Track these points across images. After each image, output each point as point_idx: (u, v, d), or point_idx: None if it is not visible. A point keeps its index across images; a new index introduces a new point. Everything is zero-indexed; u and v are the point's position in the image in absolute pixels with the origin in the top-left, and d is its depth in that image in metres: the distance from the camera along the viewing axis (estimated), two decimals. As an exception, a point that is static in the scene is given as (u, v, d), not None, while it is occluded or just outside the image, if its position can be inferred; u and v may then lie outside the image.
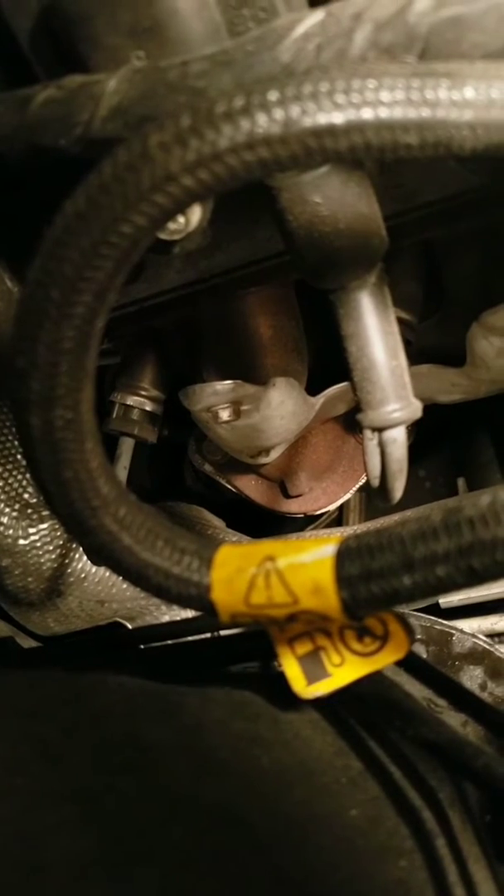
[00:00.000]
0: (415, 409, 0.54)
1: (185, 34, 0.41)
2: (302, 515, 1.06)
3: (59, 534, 0.92)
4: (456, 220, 0.59)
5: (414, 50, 0.37)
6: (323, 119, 0.30)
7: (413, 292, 0.81)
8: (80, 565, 0.94)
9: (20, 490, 0.91)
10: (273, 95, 0.31)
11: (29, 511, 0.91)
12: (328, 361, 0.91)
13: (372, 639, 0.44)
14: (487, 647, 0.65)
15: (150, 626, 0.81)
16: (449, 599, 0.79)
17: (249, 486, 1.03)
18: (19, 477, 0.91)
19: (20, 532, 0.91)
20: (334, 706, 0.52)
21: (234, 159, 0.31)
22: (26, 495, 0.91)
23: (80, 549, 0.93)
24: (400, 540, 0.35)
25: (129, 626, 0.81)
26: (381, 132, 0.31)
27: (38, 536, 0.92)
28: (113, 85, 0.41)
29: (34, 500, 0.92)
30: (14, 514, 0.91)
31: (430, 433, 1.06)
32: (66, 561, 0.93)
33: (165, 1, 0.41)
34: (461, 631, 0.66)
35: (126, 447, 0.91)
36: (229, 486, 1.03)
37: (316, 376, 0.91)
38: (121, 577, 0.42)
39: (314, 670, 0.44)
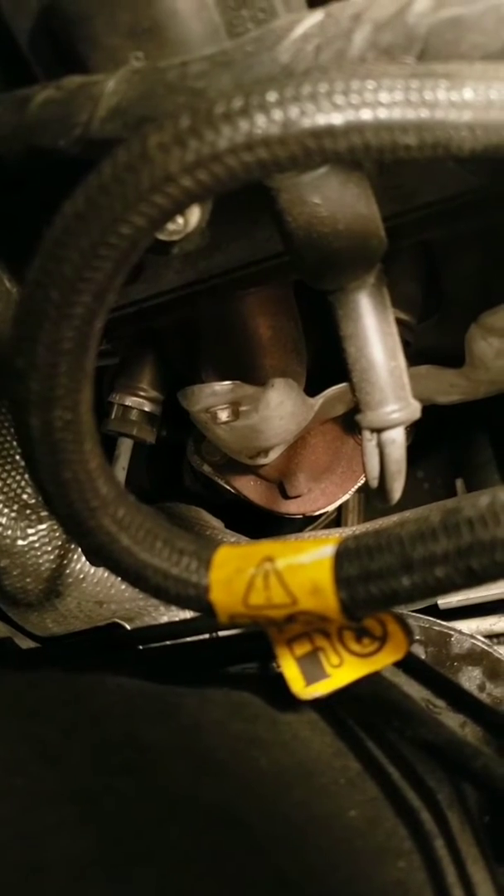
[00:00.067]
0: (413, 410, 0.54)
1: (184, 35, 0.41)
2: (301, 516, 1.06)
3: (57, 534, 0.92)
4: (455, 221, 0.59)
5: (413, 51, 0.37)
6: (322, 120, 0.30)
7: (412, 293, 0.81)
8: (78, 566, 0.94)
9: (19, 491, 0.91)
10: (272, 96, 0.31)
11: (27, 512, 0.91)
12: (327, 362, 0.91)
13: (371, 640, 0.44)
14: (486, 647, 0.65)
15: (148, 627, 0.81)
16: (448, 600, 0.79)
17: (248, 487, 1.03)
18: (18, 477, 0.91)
19: (19, 532, 0.91)
20: (333, 707, 0.52)
21: (233, 160, 0.31)
22: (25, 496, 0.92)
23: (79, 549, 0.93)
24: (399, 541, 0.35)
25: (128, 627, 0.81)
26: (380, 133, 0.31)
27: (37, 537, 0.92)
28: (112, 85, 0.41)
29: (33, 501, 0.92)
30: (13, 514, 0.91)
31: (428, 434, 1.06)
32: (65, 562, 0.93)
33: (165, 2, 0.41)
34: (460, 632, 0.66)
35: (125, 448, 0.91)
36: (228, 487, 1.03)
37: (315, 377, 0.91)
38: (119, 578, 0.42)
39: (313, 671, 0.44)
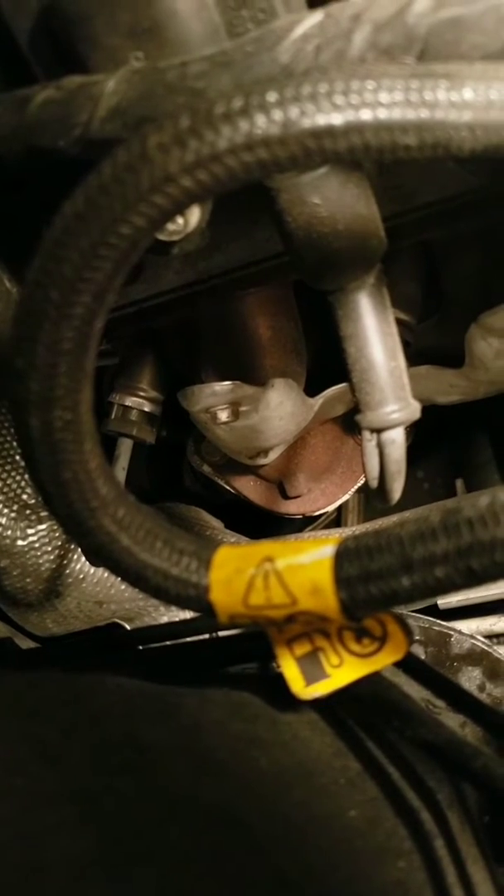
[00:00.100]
0: (413, 410, 0.54)
1: (184, 35, 0.41)
2: (300, 516, 1.06)
3: (57, 535, 0.92)
4: (455, 221, 0.59)
5: (413, 51, 0.37)
6: (322, 120, 0.30)
7: (412, 293, 0.81)
8: (78, 566, 0.94)
9: (19, 491, 0.91)
10: (272, 96, 0.31)
11: (27, 512, 0.91)
12: (327, 362, 0.91)
13: (370, 640, 0.44)
14: (486, 648, 0.65)
15: (148, 627, 0.81)
16: (447, 600, 0.79)
17: (248, 487, 1.03)
18: (18, 478, 0.91)
19: (19, 533, 0.91)
20: (333, 707, 0.52)
21: (233, 160, 0.31)
22: (25, 496, 0.92)
23: (79, 549, 0.93)
24: (399, 541, 0.35)
25: (128, 627, 0.81)
26: (379, 133, 0.31)
27: (37, 537, 0.92)
28: (112, 86, 0.41)
29: (33, 501, 0.92)
30: (12, 514, 0.91)
31: (428, 434, 1.06)
32: (65, 562, 0.93)
33: (164, 2, 0.41)
34: (459, 632, 0.66)
35: (124, 448, 0.91)
36: (228, 487, 1.03)
37: (314, 377, 0.91)
38: (119, 578, 0.42)
39: (313, 671, 0.44)
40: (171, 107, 0.40)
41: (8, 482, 0.91)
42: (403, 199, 0.57)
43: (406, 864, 0.45)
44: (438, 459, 1.19)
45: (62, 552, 0.93)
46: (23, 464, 0.90)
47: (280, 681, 0.44)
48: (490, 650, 0.65)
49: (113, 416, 0.89)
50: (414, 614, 0.69)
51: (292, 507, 1.04)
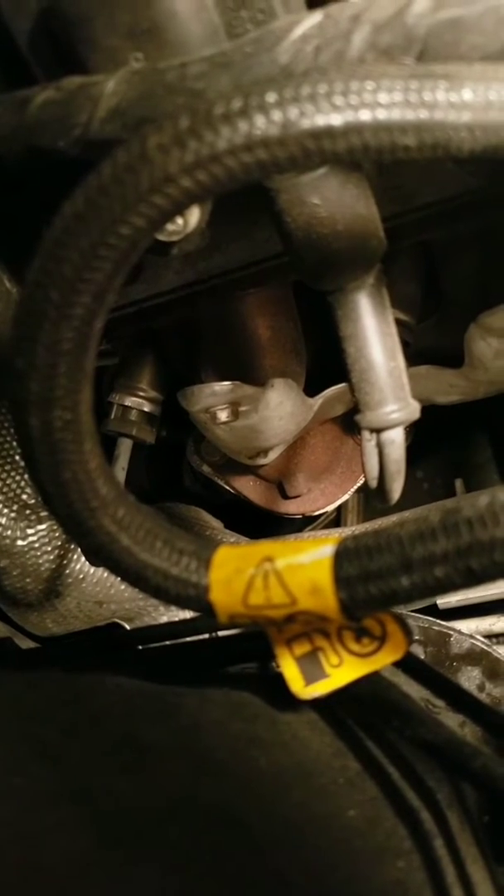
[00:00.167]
0: (413, 411, 0.54)
1: (183, 36, 0.41)
2: (300, 516, 1.06)
3: (57, 535, 0.92)
4: (454, 222, 0.59)
5: (412, 52, 0.37)
6: (321, 121, 0.30)
7: (411, 293, 0.81)
8: (78, 566, 0.94)
9: (18, 491, 0.91)
10: (271, 97, 0.31)
11: (27, 512, 0.91)
12: (326, 362, 0.91)
13: (370, 639, 0.44)
14: (485, 647, 0.65)
15: (148, 627, 0.81)
16: (447, 600, 0.79)
17: (248, 487, 1.03)
18: (17, 478, 0.91)
19: (18, 533, 0.91)
20: (332, 707, 0.52)
21: (233, 161, 0.31)
22: (24, 496, 0.92)
23: (79, 549, 0.93)
24: (398, 541, 0.35)
25: (128, 627, 0.81)
26: (379, 134, 0.31)
27: (37, 537, 0.92)
28: (111, 86, 0.41)
29: (32, 501, 0.92)
30: (12, 514, 0.91)
31: (428, 434, 1.06)
32: (65, 562, 0.93)
33: (164, 3, 0.41)
34: (459, 632, 0.66)
35: (124, 448, 0.91)
36: (227, 487, 1.03)
37: (314, 377, 0.91)
38: (119, 578, 0.42)
39: (312, 671, 0.44)
40: (171, 107, 0.40)
41: (8, 482, 0.91)
42: (403, 200, 0.57)
43: (405, 864, 0.45)
44: (438, 459, 1.19)
45: (62, 552, 0.93)
46: (23, 464, 0.90)
47: (280, 680, 0.44)
48: (489, 650, 0.65)
49: (113, 416, 0.89)
50: (413, 614, 0.69)
51: (292, 507, 1.04)
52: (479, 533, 0.33)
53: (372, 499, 0.60)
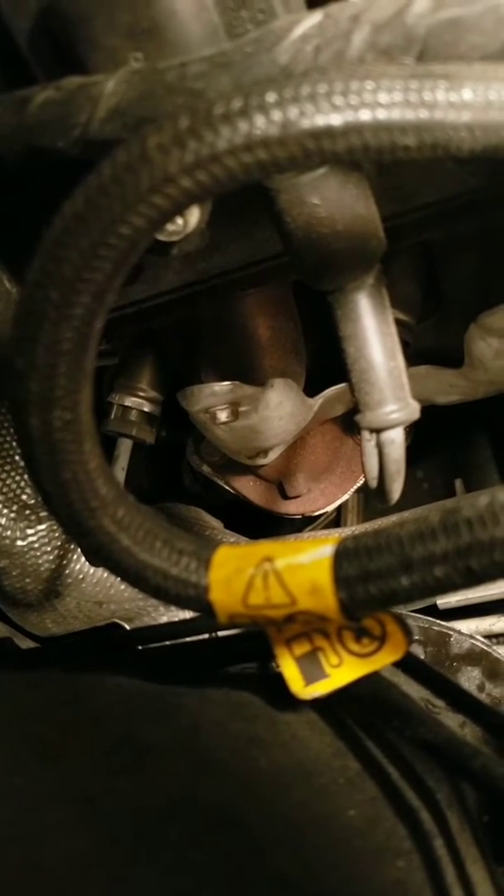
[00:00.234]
0: (413, 411, 0.54)
1: (183, 36, 0.41)
2: (300, 516, 1.06)
3: (57, 535, 0.92)
4: (454, 222, 0.59)
5: (412, 52, 0.37)
6: (321, 121, 0.30)
7: (411, 293, 0.81)
8: (78, 566, 0.94)
9: (18, 491, 0.91)
10: (271, 97, 0.31)
11: (27, 512, 0.91)
12: (326, 362, 0.91)
13: (370, 639, 0.44)
14: (485, 647, 0.65)
15: (148, 627, 0.81)
16: (447, 600, 0.79)
17: (247, 487, 1.03)
18: (17, 478, 0.91)
19: (18, 533, 0.91)
20: (332, 707, 0.52)
21: (233, 161, 0.31)
22: (24, 496, 0.92)
23: (79, 550, 0.93)
24: (398, 541, 0.35)
25: (127, 627, 0.81)
26: (378, 134, 0.31)
27: (37, 537, 0.92)
28: (111, 86, 0.41)
29: (32, 501, 0.92)
30: (12, 514, 0.91)
31: (427, 434, 1.06)
32: (65, 562, 0.93)
33: (164, 2, 0.41)
34: (459, 632, 0.66)
35: (124, 448, 0.91)
36: (227, 487, 1.03)
37: (314, 377, 0.91)
38: (119, 578, 0.42)
39: (312, 671, 0.44)
40: (171, 107, 0.40)
41: (8, 482, 0.91)
42: (403, 200, 0.57)
43: (405, 864, 0.45)
44: (438, 459, 1.19)
45: (62, 552, 0.93)
46: (22, 464, 0.90)
47: (279, 681, 0.44)
48: (489, 650, 0.65)
49: (112, 417, 0.89)
50: (413, 614, 0.69)
51: (292, 507, 1.04)
52: (478, 533, 0.33)
53: (372, 499, 0.60)
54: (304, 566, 0.38)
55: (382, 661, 0.44)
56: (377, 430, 0.54)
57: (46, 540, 0.92)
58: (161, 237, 0.44)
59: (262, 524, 1.08)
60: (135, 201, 0.32)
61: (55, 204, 0.33)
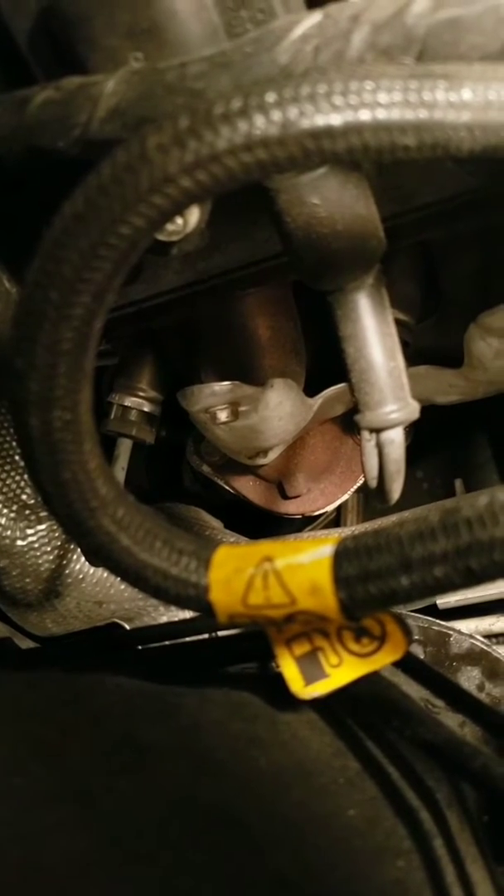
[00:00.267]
0: (412, 410, 0.54)
1: (183, 36, 0.41)
2: (300, 516, 1.06)
3: (56, 535, 0.92)
4: (454, 222, 0.59)
5: (412, 52, 0.37)
6: (321, 121, 0.30)
7: (411, 293, 0.81)
8: (78, 566, 0.94)
9: (18, 491, 0.91)
10: (271, 97, 0.31)
11: (27, 512, 0.91)
12: (326, 362, 0.91)
13: (370, 639, 0.44)
14: (485, 647, 0.65)
15: (147, 627, 0.81)
16: (446, 600, 0.79)
17: (247, 487, 1.03)
18: (17, 478, 0.91)
19: (18, 533, 0.91)
20: (332, 707, 0.52)
21: (232, 161, 0.31)
22: (24, 496, 0.92)
23: (78, 550, 0.93)
24: (398, 540, 0.35)
25: (127, 627, 0.81)
26: (378, 134, 0.31)
27: (36, 537, 0.92)
28: (111, 86, 0.41)
29: (32, 501, 0.92)
30: (12, 514, 0.91)
31: (427, 434, 1.06)
32: (64, 562, 0.93)
33: (163, 2, 0.41)
34: (459, 632, 0.66)
35: (124, 448, 0.91)
36: (227, 487, 1.03)
37: (314, 377, 0.91)
38: (119, 578, 0.42)
39: (312, 671, 0.44)
40: (171, 107, 0.40)
41: (7, 482, 0.91)
42: (402, 200, 0.57)
43: (405, 864, 0.45)
44: (437, 459, 1.19)
45: (62, 552, 0.93)
46: (22, 464, 0.90)
47: (279, 680, 0.44)
48: (489, 650, 0.65)
49: (112, 417, 0.89)
50: (413, 614, 0.69)
51: (291, 507, 1.04)
52: (478, 533, 0.33)
53: (372, 499, 0.60)
54: (304, 566, 0.38)
55: (382, 660, 0.44)
56: (377, 430, 0.54)
57: (46, 540, 0.92)
58: (161, 237, 0.44)
59: (262, 524, 1.08)
60: (135, 201, 0.32)
61: (55, 204, 0.33)
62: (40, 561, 0.92)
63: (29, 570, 0.91)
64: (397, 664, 0.50)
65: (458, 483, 1.13)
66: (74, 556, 0.94)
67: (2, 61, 0.48)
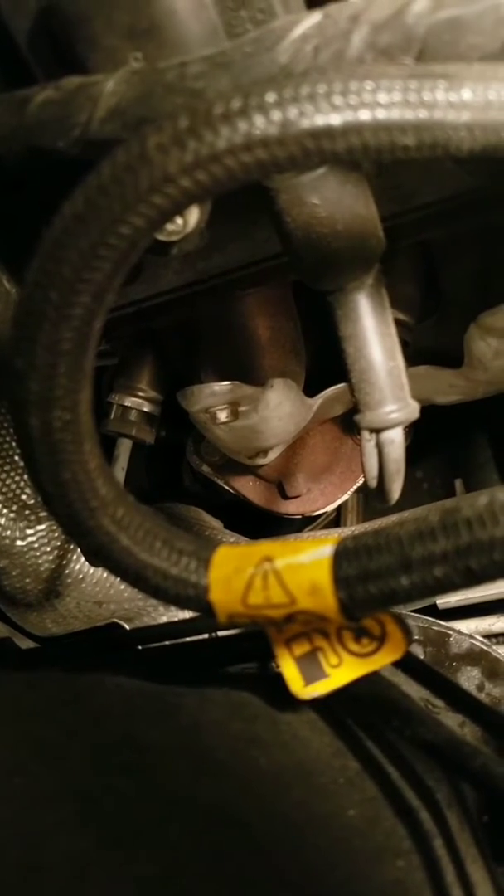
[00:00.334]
0: (412, 410, 0.54)
1: (182, 35, 0.41)
2: (300, 516, 1.06)
3: (56, 535, 0.92)
4: (453, 222, 0.59)
5: (411, 51, 0.37)
6: (320, 120, 0.30)
7: (410, 293, 0.81)
8: (77, 566, 0.94)
9: (18, 491, 0.91)
10: (271, 97, 0.31)
11: (27, 512, 0.91)
12: (326, 362, 0.91)
13: (369, 639, 0.44)
14: (485, 647, 0.65)
15: (147, 627, 0.81)
16: (446, 600, 0.79)
17: (247, 487, 1.03)
18: (17, 478, 0.91)
19: (18, 533, 0.91)
20: (332, 707, 0.52)
21: (232, 161, 0.31)
22: (24, 496, 0.92)
23: (78, 550, 0.94)
24: (397, 540, 0.35)
25: (127, 627, 0.81)
26: (378, 133, 0.31)
27: (36, 537, 0.92)
28: (111, 86, 0.41)
29: (32, 501, 0.92)
30: (12, 514, 0.91)
31: (427, 434, 1.06)
32: (64, 562, 0.93)
33: (163, 2, 0.41)
34: (458, 632, 0.66)
35: (124, 448, 0.91)
36: (227, 487, 1.03)
37: (314, 377, 0.91)
38: (119, 578, 0.42)
39: (312, 671, 0.44)
40: (170, 107, 0.40)
41: (7, 482, 0.91)
42: (402, 200, 0.57)
43: (405, 864, 0.45)
44: (437, 459, 1.19)
45: (61, 552, 0.93)
46: (22, 464, 0.90)
47: (279, 680, 0.44)
48: (489, 650, 0.65)
49: (112, 417, 0.89)
50: (413, 614, 0.69)
51: (291, 507, 1.04)
52: (478, 533, 0.33)
53: (372, 499, 0.60)
54: (304, 566, 0.38)
55: (382, 660, 0.44)
56: (377, 430, 0.54)
57: (46, 540, 0.92)
58: (161, 237, 0.44)
59: (261, 524, 1.08)
60: (134, 201, 0.32)
61: (55, 204, 0.33)
62: (40, 561, 0.92)
63: (29, 570, 0.91)
64: (397, 664, 0.50)
65: (458, 483, 1.13)
66: (74, 556, 0.94)
67: (2, 61, 0.48)
